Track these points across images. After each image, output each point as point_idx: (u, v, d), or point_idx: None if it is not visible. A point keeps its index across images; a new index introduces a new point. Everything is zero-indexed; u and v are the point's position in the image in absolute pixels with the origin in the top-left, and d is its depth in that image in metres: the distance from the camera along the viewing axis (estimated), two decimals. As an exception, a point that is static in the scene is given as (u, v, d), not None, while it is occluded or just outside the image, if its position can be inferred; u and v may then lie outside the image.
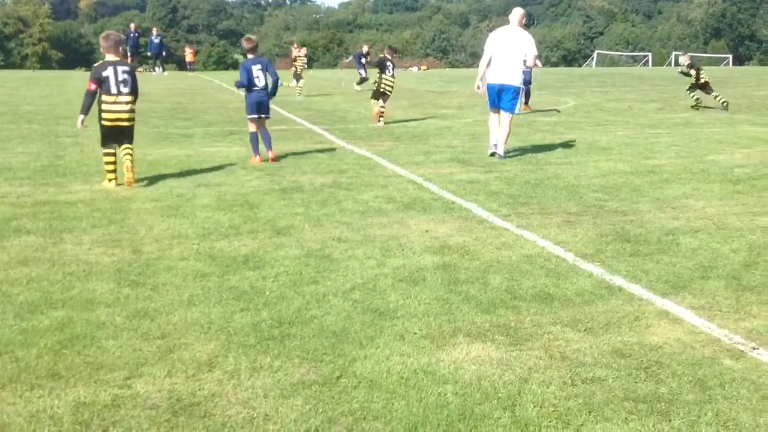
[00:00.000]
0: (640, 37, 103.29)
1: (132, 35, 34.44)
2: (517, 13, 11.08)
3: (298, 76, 23.84)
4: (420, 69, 54.07)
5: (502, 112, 10.89)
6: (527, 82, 17.48)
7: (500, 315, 4.64)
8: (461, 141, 12.67)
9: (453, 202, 7.80)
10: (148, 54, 39.12)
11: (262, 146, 10.37)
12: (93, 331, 4.32)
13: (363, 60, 26.59)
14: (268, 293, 5.01)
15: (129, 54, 35.35)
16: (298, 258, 5.81)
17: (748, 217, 7.08)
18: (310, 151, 11.32)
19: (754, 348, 4.10)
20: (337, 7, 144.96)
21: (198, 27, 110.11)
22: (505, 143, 11.00)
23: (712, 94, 18.08)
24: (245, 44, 10.50)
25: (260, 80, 10.26)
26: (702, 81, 18.05)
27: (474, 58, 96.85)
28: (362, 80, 25.67)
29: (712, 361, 3.95)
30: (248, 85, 10.24)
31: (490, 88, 10.95)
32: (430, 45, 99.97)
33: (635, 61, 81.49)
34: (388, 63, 15.64)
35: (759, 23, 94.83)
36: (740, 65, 74.33)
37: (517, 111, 11.14)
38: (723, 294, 4.99)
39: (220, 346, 4.15)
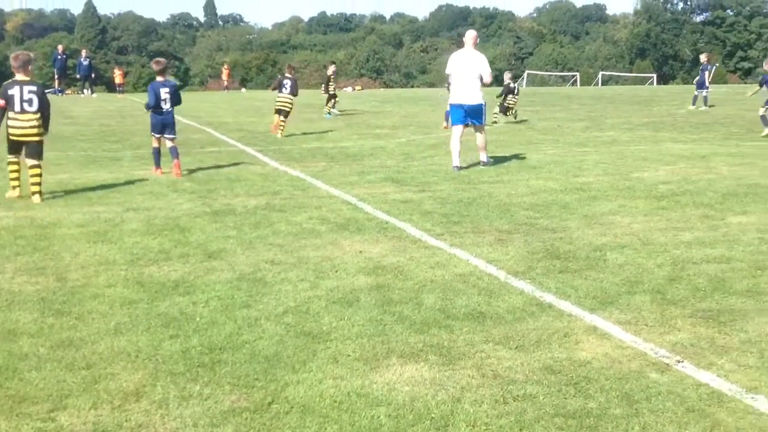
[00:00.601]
0: (569, 57, 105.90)
1: (60, 57, 33.72)
2: (469, 36, 11.95)
3: (332, 96, 23.83)
4: (354, 89, 54.25)
5: (476, 127, 11.93)
6: None
7: (433, 334, 4.65)
8: (395, 161, 12.74)
9: (387, 222, 7.82)
10: (77, 76, 38.28)
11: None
12: (15, 363, 4.18)
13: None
14: (198, 319, 4.93)
15: (57, 76, 34.59)
16: (229, 282, 5.74)
17: (672, 232, 7.28)
18: (243, 173, 11.22)
19: (678, 361, 4.20)
20: (270, 28, 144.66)
21: (128, 48, 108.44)
22: (485, 150, 12.09)
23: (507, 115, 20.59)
24: (155, 66, 11.10)
25: (166, 103, 10.88)
26: (508, 105, 20.52)
27: (408, 78, 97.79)
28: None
29: (639, 374, 4.03)
30: (155, 106, 10.84)
31: (455, 108, 11.83)
32: (365, 65, 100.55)
33: (564, 80, 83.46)
34: (285, 81, 16.95)
35: (682, 43, 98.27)
36: (664, 84, 76.69)
37: (485, 121, 12.20)
38: (648, 308, 5.11)
39: (147, 375, 4.05)
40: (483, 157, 12.03)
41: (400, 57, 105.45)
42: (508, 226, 7.63)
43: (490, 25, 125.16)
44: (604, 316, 4.98)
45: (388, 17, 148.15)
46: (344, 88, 55.04)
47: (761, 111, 16.48)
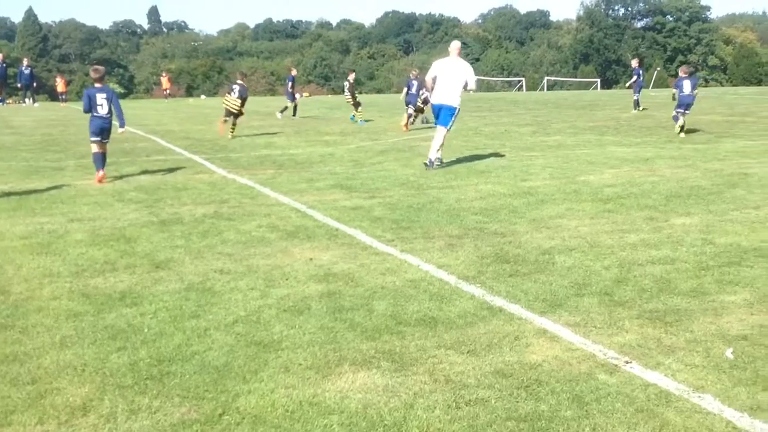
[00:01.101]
0: (514, 62, 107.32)
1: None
2: (454, 46, 13.03)
3: (357, 104, 24.60)
4: (302, 96, 54.02)
5: (438, 126, 12.76)
6: (425, 101, 20.10)
7: (385, 341, 4.65)
8: (344, 167, 12.72)
9: (337, 229, 7.80)
10: (18, 85, 37.40)
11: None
12: (-46, 381, 4.04)
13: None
14: (146, 330, 4.84)
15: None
16: (178, 292, 5.65)
17: (618, 234, 7.41)
18: (191, 182, 11.08)
19: (627, 362, 4.26)
20: (216, 35, 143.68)
21: (70, 56, 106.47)
22: (438, 151, 12.68)
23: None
24: (92, 74, 11.44)
25: (103, 108, 11.13)
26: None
27: (355, 84, 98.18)
28: (286, 108, 26.22)
29: (589, 376, 4.08)
30: (90, 110, 11.12)
31: (434, 107, 12.98)
32: (312, 72, 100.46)
33: (510, 85, 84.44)
34: (234, 86, 18.55)
35: (624, 48, 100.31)
36: (608, 89, 78.13)
37: (450, 126, 12.83)
38: (597, 310, 5.18)
39: (95, 388, 3.96)
40: (432, 155, 12.60)
41: (348, 63, 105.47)
42: (458, 231, 7.66)
43: (437, 31, 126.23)
44: (553, 318, 5.03)
45: (334, 24, 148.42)
46: (303, 95, 54.81)
47: (674, 112, 17.87)
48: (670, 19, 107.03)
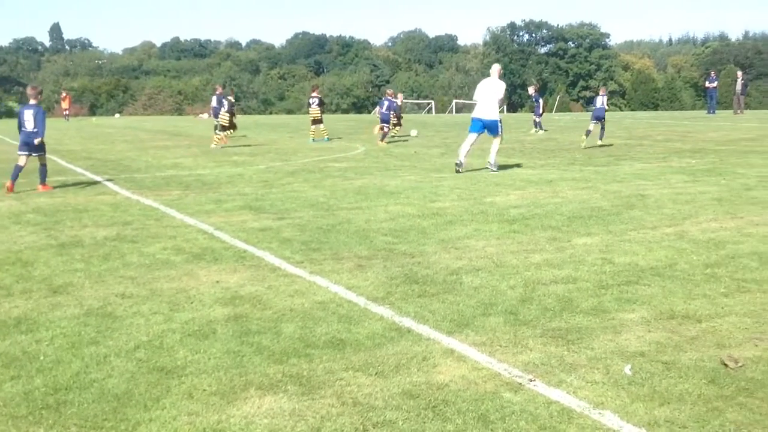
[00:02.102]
0: (423, 85, 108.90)
1: None
2: (495, 69, 15.63)
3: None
4: (211, 116, 53.27)
5: (493, 138, 15.25)
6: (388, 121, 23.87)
7: (293, 364, 4.59)
8: (253, 188, 12.59)
9: (245, 251, 7.69)
10: None
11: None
12: None
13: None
14: (42, 358, 4.64)
15: None
16: (76, 318, 5.45)
17: (523, 254, 7.56)
18: (92, 203, 10.75)
19: (531, 380, 4.34)
20: (121, 53, 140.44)
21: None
22: (495, 157, 15.23)
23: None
24: (29, 91, 12.46)
25: (30, 124, 12.09)
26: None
27: (266, 104, 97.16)
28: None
29: (494, 395, 4.13)
30: (19, 126, 12.24)
31: (475, 120, 15.25)
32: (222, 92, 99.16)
33: (420, 108, 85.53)
34: (224, 101, 22.42)
35: (529, 73, 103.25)
36: (513, 112, 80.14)
37: (501, 133, 15.37)
38: (502, 329, 5.26)
39: (-16, 421, 3.76)
40: (492, 160, 15.22)
41: (258, 83, 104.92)
42: (368, 252, 7.67)
43: (347, 53, 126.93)
44: (460, 338, 5.08)
45: (244, 44, 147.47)
46: (200, 115, 54.10)
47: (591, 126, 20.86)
48: (572, 45, 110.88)
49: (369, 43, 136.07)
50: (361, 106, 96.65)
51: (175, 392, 4.17)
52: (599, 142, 20.98)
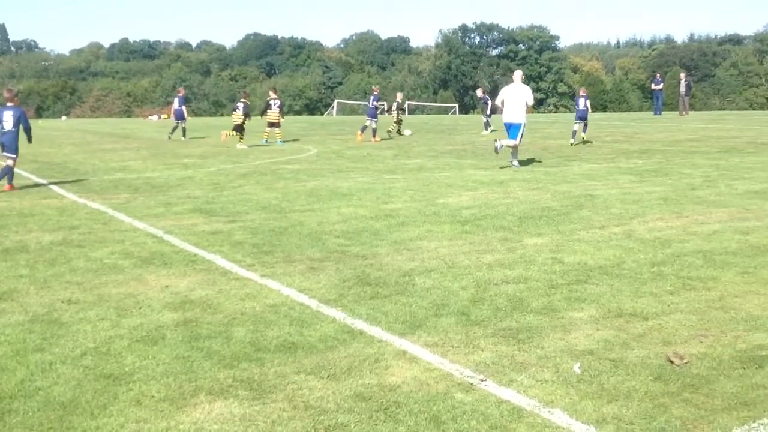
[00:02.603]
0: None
1: None
2: (517, 75, 16.71)
3: (399, 121, 28.44)
4: (161, 118, 52.76)
5: (511, 139, 16.10)
6: (374, 117, 25.52)
7: (243, 369, 4.54)
8: (204, 191, 12.46)
9: (195, 255, 7.60)
10: None
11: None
12: None
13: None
14: (-16, 367, 4.51)
15: None
16: (21, 324, 5.32)
17: (475, 255, 7.61)
18: (38, 207, 10.52)
19: (482, 380, 4.36)
20: (68, 54, 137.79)
21: None
22: (516, 158, 16.32)
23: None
24: (5, 94, 13.11)
25: (8, 123, 12.61)
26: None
27: (217, 106, 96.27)
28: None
29: (446, 396, 4.14)
30: None
31: (505, 125, 16.50)
32: (171, 93, 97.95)
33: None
34: (238, 104, 23.92)
35: (480, 75, 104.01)
36: (466, 114, 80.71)
37: (519, 139, 16.20)
38: (454, 330, 5.28)
39: None
40: (514, 162, 16.27)
41: (209, 85, 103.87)
42: (320, 255, 7.65)
43: (299, 54, 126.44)
44: (413, 339, 5.08)
45: (194, 45, 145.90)
46: (149, 117, 53.41)
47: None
48: (523, 47, 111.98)
49: (321, 45, 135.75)
50: (313, 108, 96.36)
51: (122, 399, 4.09)
52: (583, 136, 22.54)
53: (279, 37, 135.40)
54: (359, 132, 25.65)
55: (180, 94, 28.35)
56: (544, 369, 4.53)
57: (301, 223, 9.40)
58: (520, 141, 16.24)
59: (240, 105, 23.88)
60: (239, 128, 23.27)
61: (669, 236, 8.31)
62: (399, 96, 30.71)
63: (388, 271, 6.98)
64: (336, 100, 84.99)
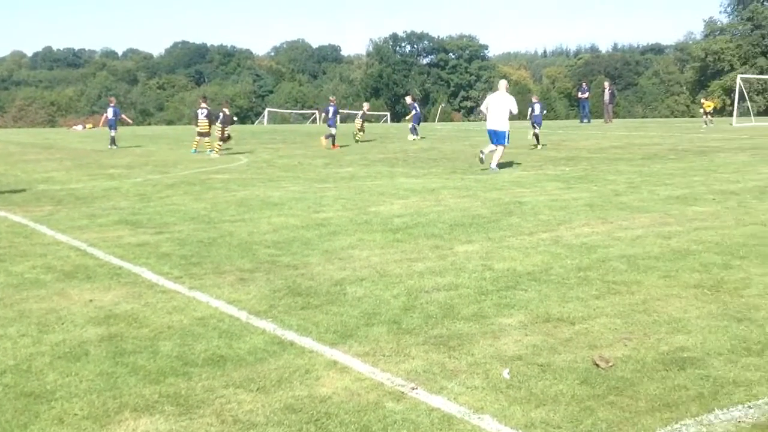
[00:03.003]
0: (308, 95, 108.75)
1: None
2: (502, 84, 17.89)
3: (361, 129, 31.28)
4: (85, 127, 51.55)
5: (497, 146, 17.12)
6: (332, 125, 27.02)
7: (170, 384, 4.44)
8: (130, 202, 12.19)
9: (120, 268, 7.42)
10: None
11: None
12: None
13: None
14: None
15: None
16: (-65, 344, 5.10)
17: (407, 263, 7.63)
18: (-45, 220, 10.13)
19: (413, 389, 4.36)
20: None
21: None
22: (497, 163, 17.02)
23: None
24: None
25: None
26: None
27: (144, 115, 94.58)
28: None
29: (376, 405, 4.13)
30: None
31: (488, 131, 17.54)
32: (97, 102, 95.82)
33: (304, 118, 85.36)
34: (199, 110, 24.87)
35: (411, 83, 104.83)
36: (397, 122, 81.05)
37: (506, 143, 17.32)
38: (385, 339, 5.27)
39: None
40: (493, 165, 16.93)
41: (136, 94, 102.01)
42: (250, 265, 7.56)
43: (229, 62, 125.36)
44: (344, 349, 5.06)
45: (120, 53, 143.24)
46: (74, 126, 52.10)
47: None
48: (453, 56, 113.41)
49: (251, 53, 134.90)
50: (244, 117, 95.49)
51: (44, 418, 3.96)
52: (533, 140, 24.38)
53: (208, 45, 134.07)
54: (323, 138, 26.56)
55: (112, 104, 29.19)
56: (474, 375, 4.56)
57: (231, 234, 9.28)
58: (506, 146, 17.32)
59: (220, 114, 23.98)
60: (224, 139, 23.69)
61: (595, 242, 8.50)
62: (366, 106, 34.02)
63: (319, 280, 6.94)
64: (267, 109, 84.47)
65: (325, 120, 29.04)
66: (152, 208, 11.48)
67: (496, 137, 17.19)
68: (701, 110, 40.41)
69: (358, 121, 31.67)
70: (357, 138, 30.09)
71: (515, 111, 17.21)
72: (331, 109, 27.71)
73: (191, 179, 15.90)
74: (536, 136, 24.14)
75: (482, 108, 17.90)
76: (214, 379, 4.54)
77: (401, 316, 5.79)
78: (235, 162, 20.66)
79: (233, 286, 6.75)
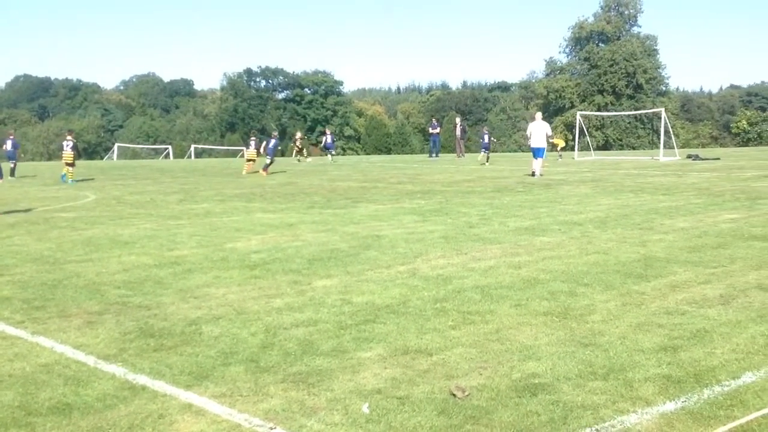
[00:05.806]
0: (160, 130, 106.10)
1: None
2: (538, 115, 27.27)
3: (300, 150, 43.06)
4: None
5: (538, 159, 25.71)
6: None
7: (10, 438, 4.15)
8: (-34, 243, 11.39)
9: (-46, 314, 6.89)
10: None
11: None
12: None
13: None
14: None
15: None
16: None
17: (264, 300, 7.53)
18: None
19: (271, 428, 4.28)
20: None
21: None
22: (540, 170, 25.56)
23: None
24: None
25: None
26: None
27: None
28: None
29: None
30: None
31: (533, 149, 25.99)
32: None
33: (157, 153, 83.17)
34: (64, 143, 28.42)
35: (267, 118, 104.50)
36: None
37: (544, 156, 26.25)
38: (243, 378, 5.16)
39: None
40: (537, 172, 25.39)
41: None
42: (99, 307, 7.22)
43: (75, 96, 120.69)
44: (199, 391, 4.90)
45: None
46: None
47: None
48: (308, 92, 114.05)
49: (99, 87, 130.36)
50: (92, 152, 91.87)
51: None
52: (487, 164, 33.77)
53: (52, 78, 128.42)
54: (263, 170, 30.93)
55: (11, 136, 33.14)
56: (334, 411, 4.53)
57: (78, 275, 8.84)
58: (545, 159, 26.31)
59: (65, 144, 27.73)
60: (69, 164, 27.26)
61: (450, 273, 8.71)
62: (298, 134, 46.77)
63: (173, 320, 6.72)
64: (116, 144, 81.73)
65: (265, 149, 32.67)
66: (-10, 249, 10.77)
67: (539, 152, 25.62)
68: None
69: (296, 147, 42.62)
70: (299, 159, 40.77)
71: (550, 133, 26.27)
72: (273, 141, 32.62)
73: (34, 218, 15.07)
74: (486, 157, 36.25)
75: (527, 133, 27.06)
76: (59, 428, 4.28)
77: (259, 354, 5.69)
78: (82, 199, 19.78)
79: (80, 329, 6.42)
